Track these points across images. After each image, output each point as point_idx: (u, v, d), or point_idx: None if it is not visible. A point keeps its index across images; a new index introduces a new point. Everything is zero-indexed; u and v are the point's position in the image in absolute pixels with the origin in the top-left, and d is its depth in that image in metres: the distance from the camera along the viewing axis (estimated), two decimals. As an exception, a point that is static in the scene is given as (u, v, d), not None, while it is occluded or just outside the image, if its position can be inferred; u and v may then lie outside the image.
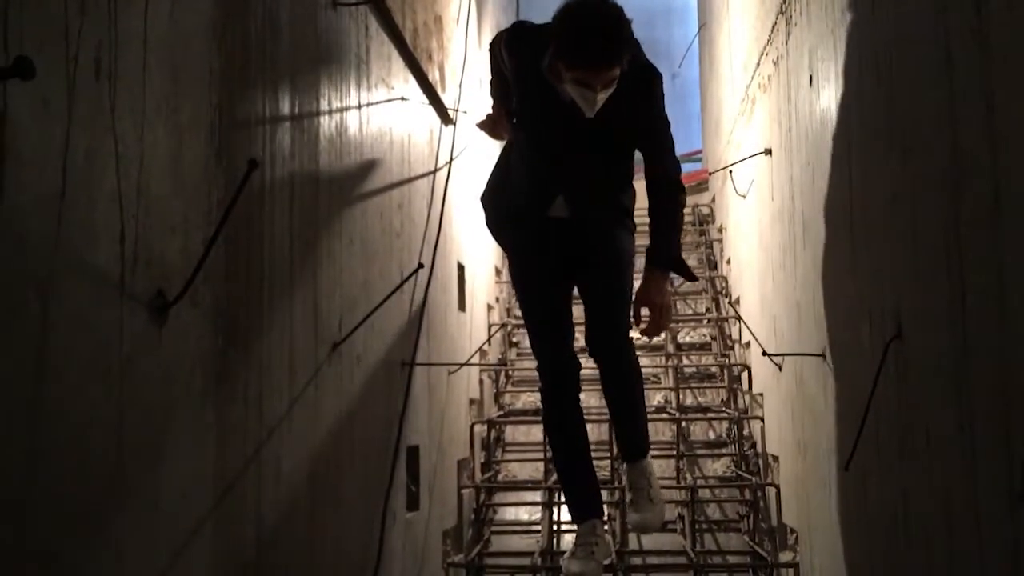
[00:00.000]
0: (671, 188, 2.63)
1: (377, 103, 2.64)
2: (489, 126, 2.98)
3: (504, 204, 2.78)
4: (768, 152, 3.70)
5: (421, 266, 2.96)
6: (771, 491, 3.90)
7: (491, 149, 5.78)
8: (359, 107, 2.44)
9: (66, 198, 1.06)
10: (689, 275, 2.68)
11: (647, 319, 2.59)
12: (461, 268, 4.20)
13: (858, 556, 2.44)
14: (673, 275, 2.66)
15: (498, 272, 5.63)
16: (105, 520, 1.13)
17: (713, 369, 5.20)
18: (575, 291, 2.82)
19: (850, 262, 2.38)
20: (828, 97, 2.55)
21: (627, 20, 2.34)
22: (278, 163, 1.80)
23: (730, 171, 4.28)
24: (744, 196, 4.39)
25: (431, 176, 3.42)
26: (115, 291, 1.16)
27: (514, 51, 2.61)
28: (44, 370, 1.02)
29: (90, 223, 1.11)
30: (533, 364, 5.47)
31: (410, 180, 3.05)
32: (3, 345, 0.96)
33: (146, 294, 1.24)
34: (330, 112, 2.17)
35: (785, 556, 3.60)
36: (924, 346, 1.78)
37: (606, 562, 3.42)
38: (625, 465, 2.89)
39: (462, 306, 4.17)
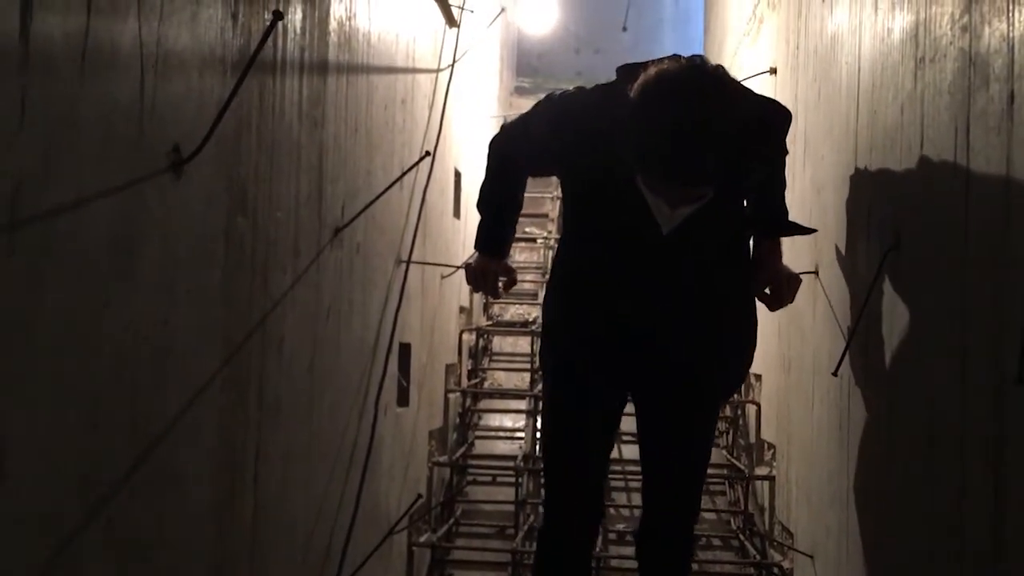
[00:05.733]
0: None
1: (385, -8, 2.60)
2: (481, 280, 2.25)
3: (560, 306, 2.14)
4: (773, 71, 3.68)
5: (427, 153, 2.96)
6: (751, 409, 3.98)
7: (492, 62, 5.71)
8: (368, -7, 2.40)
9: (90, 38, 1.05)
10: (804, 230, 2.22)
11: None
12: (458, 175, 4.19)
13: (836, 466, 2.50)
14: None
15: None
16: (117, 362, 1.14)
17: (701, 291, 5.24)
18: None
19: (851, 176, 2.39)
20: (841, 11, 2.53)
21: (734, 122, 1.69)
22: (290, 37, 1.78)
23: (732, 92, 4.26)
24: (744, 118, 4.37)
25: (433, 76, 3.38)
26: (135, 132, 1.16)
27: (565, 128, 1.98)
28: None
29: (112, 64, 1.10)
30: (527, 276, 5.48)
31: (414, 75, 3.02)
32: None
33: (164, 145, 1.24)
34: (340, -7, 2.14)
35: (762, 470, 3.70)
36: (922, 255, 1.81)
37: None
38: None
39: (457, 213, 4.18)
